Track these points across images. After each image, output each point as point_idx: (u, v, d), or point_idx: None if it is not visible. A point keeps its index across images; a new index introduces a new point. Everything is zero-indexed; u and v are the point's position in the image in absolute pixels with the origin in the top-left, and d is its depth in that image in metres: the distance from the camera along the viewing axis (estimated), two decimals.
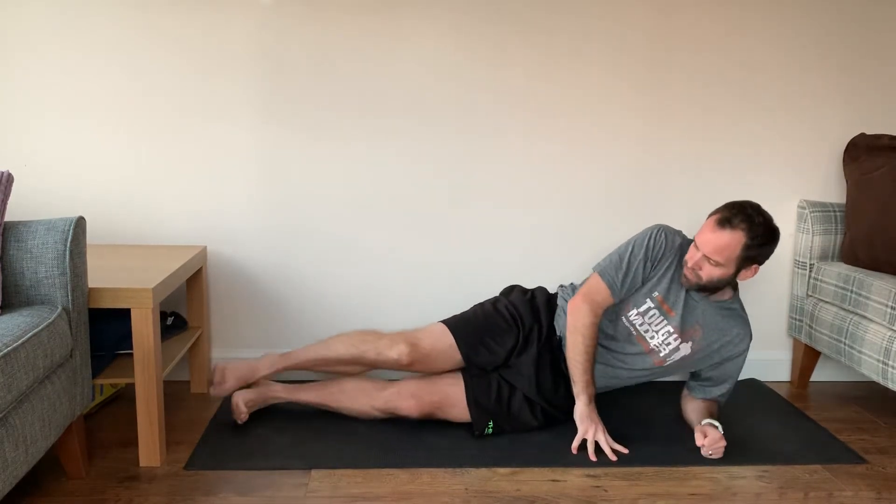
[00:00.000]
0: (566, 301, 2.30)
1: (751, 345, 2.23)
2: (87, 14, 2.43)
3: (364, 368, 2.29)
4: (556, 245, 2.68)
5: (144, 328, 1.93)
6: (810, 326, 2.61)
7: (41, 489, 1.87)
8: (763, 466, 2.07)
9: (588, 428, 2.11)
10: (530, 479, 1.98)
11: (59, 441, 1.87)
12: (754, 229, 2.05)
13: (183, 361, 2.57)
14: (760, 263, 2.11)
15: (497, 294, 2.46)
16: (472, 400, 2.20)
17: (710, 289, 2.15)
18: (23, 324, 1.66)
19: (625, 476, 2.01)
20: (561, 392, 2.26)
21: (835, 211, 2.64)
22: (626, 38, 2.57)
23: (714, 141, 2.66)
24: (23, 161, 2.46)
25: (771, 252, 2.11)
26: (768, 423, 2.34)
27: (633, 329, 2.22)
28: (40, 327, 1.68)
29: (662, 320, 2.20)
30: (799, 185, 2.71)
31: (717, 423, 2.11)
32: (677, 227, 2.70)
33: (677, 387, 2.40)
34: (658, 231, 2.22)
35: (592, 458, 2.06)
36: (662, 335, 2.20)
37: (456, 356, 2.24)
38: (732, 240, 2.04)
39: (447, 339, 2.25)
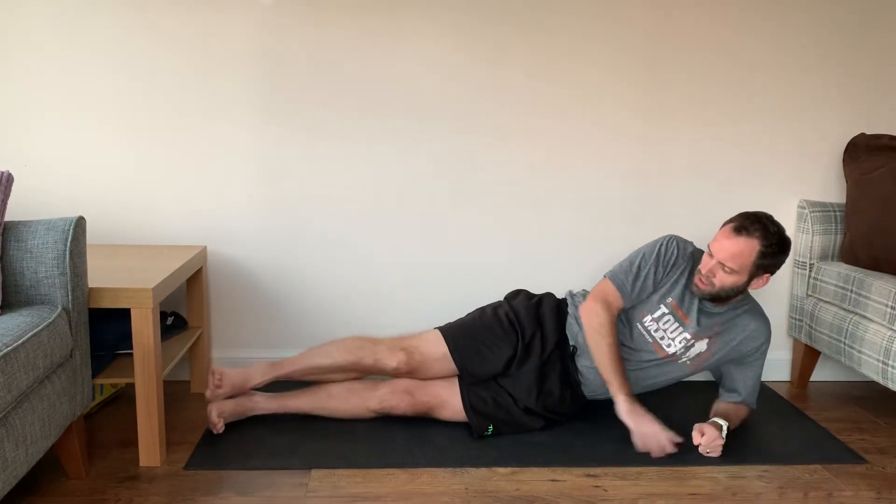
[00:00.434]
0: (576, 307, 2.28)
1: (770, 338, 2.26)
2: (87, 14, 2.43)
3: (359, 375, 2.28)
4: (556, 245, 2.67)
5: (144, 328, 1.93)
6: (810, 326, 2.61)
7: (41, 489, 1.87)
8: (763, 466, 2.07)
9: (631, 423, 2.07)
10: (530, 479, 1.98)
11: (59, 441, 1.87)
12: (769, 237, 2.07)
13: (183, 361, 2.57)
14: (772, 273, 2.13)
15: (501, 295, 2.44)
16: (470, 406, 2.20)
17: (722, 298, 2.15)
18: (23, 324, 1.66)
19: (625, 476, 2.01)
20: (567, 401, 2.26)
21: (835, 211, 2.64)
22: (626, 38, 2.57)
23: (714, 141, 2.66)
24: (23, 161, 2.46)
25: (783, 262, 2.13)
26: (768, 423, 2.34)
27: (648, 336, 2.21)
28: (40, 327, 1.68)
29: (678, 327, 2.20)
30: (799, 185, 2.71)
31: (721, 422, 2.11)
32: (677, 228, 2.70)
33: (677, 387, 2.39)
34: (670, 240, 2.25)
35: (665, 452, 2.05)
36: (679, 342, 2.20)
37: (452, 363, 2.23)
38: (747, 247, 2.06)
39: (443, 348, 2.23)
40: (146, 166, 2.52)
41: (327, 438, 2.17)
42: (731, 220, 2.13)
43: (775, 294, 2.75)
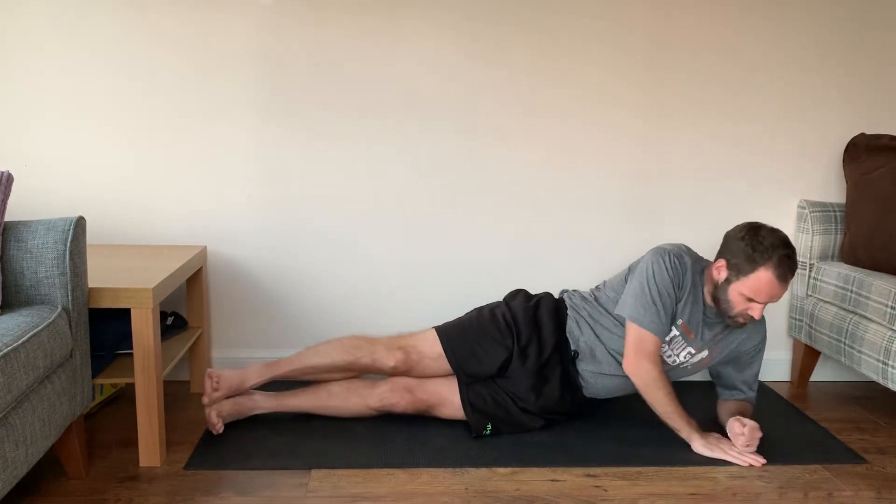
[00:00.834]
0: (576, 310, 2.27)
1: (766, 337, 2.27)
2: (87, 14, 2.43)
3: (356, 374, 2.28)
4: (556, 245, 2.67)
5: (144, 328, 1.93)
6: (810, 326, 2.61)
7: (41, 489, 1.87)
8: (763, 466, 2.07)
9: (720, 453, 2.09)
10: (530, 479, 1.98)
11: (59, 441, 1.87)
12: (795, 262, 2.09)
13: (183, 361, 2.57)
14: None
15: (500, 295, 2.42)
16: (468, 403, 2.20)
17: None
18: (23, 324, 1.66)
19: (625, 476, 2.01)
20: (567, 402, 2.26)
21: (835, 211, 2.64)
22: (626, 38, 2.57)
23: (714, 141, 2.66)
24: (23, 161, 2.46)
25: None
26: (768, 423, 2.33)
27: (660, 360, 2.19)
28: (40, 327, 1.68)
29: (683, 343, 2.19)
30: (799, 185, 2.71)
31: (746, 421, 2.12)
32: (677, 227, 2.71)
33: (677, 386, 2.39)
34: (670, 257, 2.14)
35: (756, 462, 2.07)
36: (684, 356, 2.21)
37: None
38: (790, 282, 2.09)
39: (439, 347, 2.23)
40: (146, 166, 2.52)
41: (327, 438, 2.17)
42: (765, 265, 2.03)
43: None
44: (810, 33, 2.62)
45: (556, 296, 2.38)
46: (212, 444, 2.13)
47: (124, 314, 1.96)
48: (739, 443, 2.08)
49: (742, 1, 2.58)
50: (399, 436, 2.19)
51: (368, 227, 2.61)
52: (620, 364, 2.18)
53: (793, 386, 2.74)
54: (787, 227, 2.71)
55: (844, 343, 2.39)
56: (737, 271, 2.07)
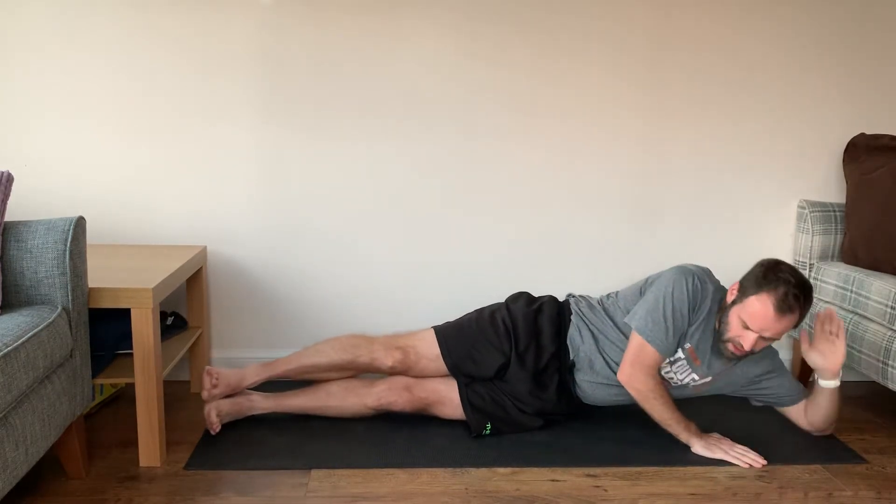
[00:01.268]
0: (581, 318, 2.24)
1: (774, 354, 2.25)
2: (87, 14, 2.43)
3: (353, 373, 2.28)
4: (556, 245, 2.67)
5: (144, 328, 1.93)
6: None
7: (41, 489, 1.87)
8: (763, 466, 2.07)
9: (720, 454, 2.09)
10: (530, 479, 1.98)
11: (59, 441, 1.87)
12: (805, 307, 2.03)
13: (183, 361, 2.57)
14: None
15: (500, 296, 2.40)
16: (468, 403, 2.20)
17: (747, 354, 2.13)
18: (23, 324, 1.66)
19: (625, 476, 2.01)
20: (564, 405, 2.25)
21: (835, 211, 2.64)
22: (626, 38, 2.57)
23: (714, 141, 2.66)
24: (23, 161, 2.46)
25: None
26: (768, 423, 2.33)
27: (658, 374, 2.17)
28: (40, 327, 1.68)
29: (688, 369, 2.17)
30: (799, 185, 2.71)
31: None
32: (677, 227, 2.71)
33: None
34: (693, 279, 2.10)
35: (756, 462, 2.07)
36: (687, 381, 2.20)
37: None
38: (790, 322, 2.01)
39: (437, 349, 2.23)
40: (146, 166, 2.52)
41: (327, 438, 2.17)
42: (763, 291, 1.99)
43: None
44: (810, 33, 2.62)
45: (563, 298, 2.36)
46: (212, 444, 2.13)
47: (124, 314, 1.96)
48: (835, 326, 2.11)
49: (742, 1, 2.58)
50: (399, 436, 2.19)
51: (368, 227, 2.61)
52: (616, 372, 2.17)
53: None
54: (787, 227, 2.72)
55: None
56: (742, 294, 2.04)
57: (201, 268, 2.49)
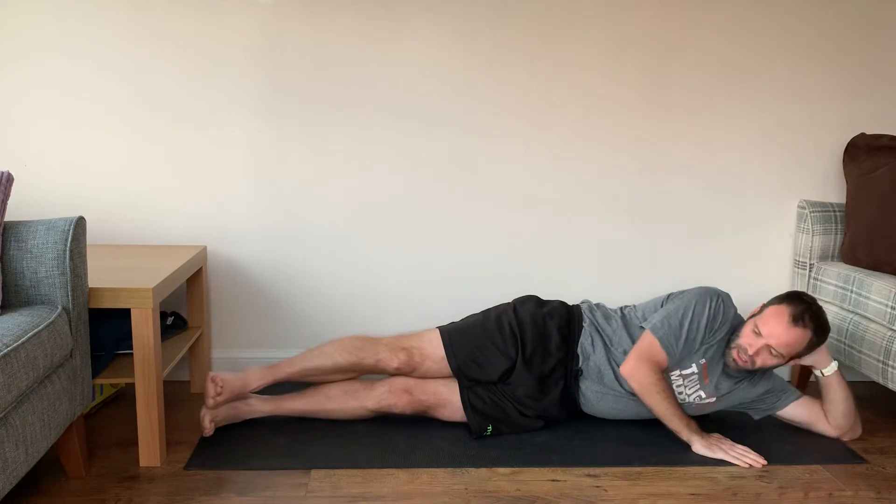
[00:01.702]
0: (596, 327, 2.24)
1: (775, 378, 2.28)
2: (87, 14, 2.43)
3: (358, 375, 2.27)
4: (556, 245, 2.67)
5: (144, 328, 1.93)
6: None
7: (41, 489, 1.87)
8: (763, 466, 2.07)
9: (721, 454, 2.09)
10: (530, 479, 1.98)
11: (59, 441, 1.87)
12: (820, 330, 2.10)
13: (183, 361, 2.57)
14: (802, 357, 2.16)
15: (501, 296, 2.40)
16: (469, 405, 2.19)
17: (752, 373, 2.17)
18: (23, 324, 1.66)
19: (625, 476, 2.01)
20: (565, 406, 2.25)
21: (835, 211, 2.64)
22: (625, 38, 2.57)
23: (714, 141, 2.66)
24: (23, 161, 2.46)
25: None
26: (768, 424, 2.34)
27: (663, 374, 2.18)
28: (40, 327, 1.68)
29: (696, 385, 2.19)
30: (799, 185, 2.71)
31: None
32: (677, 227, 2.71)
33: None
34: (717, 300, 2.17)
35: (756, 462, 2.08)
36: (694, 398, 2.21)
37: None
38: (802, 337, 2.08)
39: (443, 351, 2.22)
40: (146, 166, 2.52)
41: (327, 439, 2.17)
42: (782, 303, 2.11)
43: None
44: (810, 33, 2.62)
45: (577, 302, 2.35)
46: (212, 444, 2.13)
47: (124, 314, 1.96)
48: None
49: (742, 1, 2.58)
50: (399, 436, 2.19)
51: (368, 227, 2.61)
52: (625, 387, 2.18)
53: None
54: (787, 226, 2.72)
55: (844, 343, 2.39)
56: (763, 308, 2.15)
57: (201, 268, 2.49)
